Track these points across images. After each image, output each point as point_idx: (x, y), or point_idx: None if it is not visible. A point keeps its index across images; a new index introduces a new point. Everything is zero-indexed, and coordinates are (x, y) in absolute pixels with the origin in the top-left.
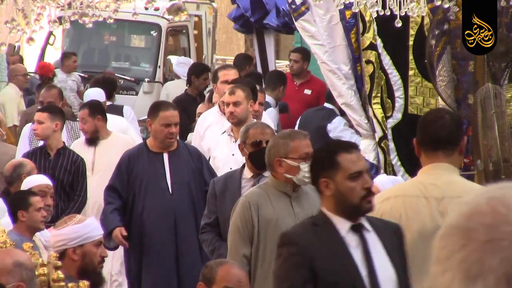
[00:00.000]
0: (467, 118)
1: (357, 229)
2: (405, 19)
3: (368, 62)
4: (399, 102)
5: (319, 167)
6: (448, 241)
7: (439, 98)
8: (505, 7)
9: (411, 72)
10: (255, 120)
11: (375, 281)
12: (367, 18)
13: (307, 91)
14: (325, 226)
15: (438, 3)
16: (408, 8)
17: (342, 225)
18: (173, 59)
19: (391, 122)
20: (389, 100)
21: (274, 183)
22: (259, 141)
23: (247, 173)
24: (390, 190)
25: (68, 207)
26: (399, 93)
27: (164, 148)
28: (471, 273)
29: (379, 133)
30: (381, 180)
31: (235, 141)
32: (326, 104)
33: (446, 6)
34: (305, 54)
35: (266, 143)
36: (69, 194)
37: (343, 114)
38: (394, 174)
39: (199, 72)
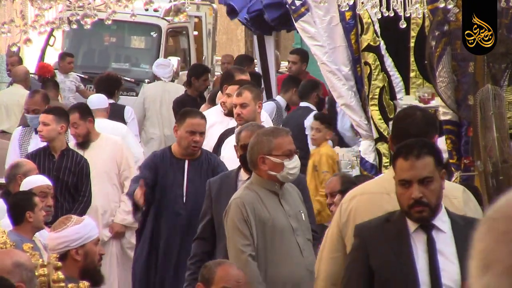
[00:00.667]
0: (467, 119)
1: (426, 229)
2: (407, 20)
3: (366, 63)
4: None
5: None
6: (477, 230)
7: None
8: (505, 8)
9: (412, 74)
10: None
11: (435, 282)
12: (365, 20)
13: None
14: (397, 222)
15: (442, 5)
16: (413, 10)
17: (412, 223)
18: (173, 60)
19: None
20: (392, 102)
21: (261, 182)
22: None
23: (243, 175)
24: (356, 189)
25: (72, 208)
26: (400, 95)
27: (187, 155)
28: (486, 261)
29: (374, 135)
30: None
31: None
32: (302, 103)
33: (450, 7)
34: (303, 55)
35: None
36: (73, 195)
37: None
38: None
39: (199, 73)
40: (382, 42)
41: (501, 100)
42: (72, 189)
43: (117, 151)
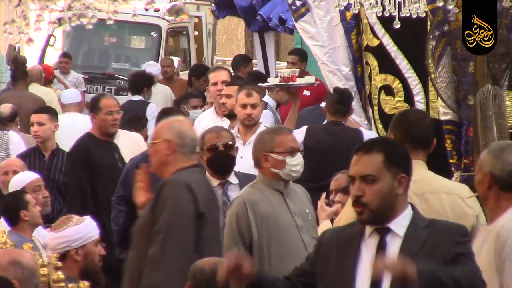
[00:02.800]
0: (467, 119)
1: (381, 232)
2: (423, 22)
3: (366, 63)
4: (420, 107)
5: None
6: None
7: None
8: (505, 8)
9: (431, 76)
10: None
11: None
12: (364, 21)
13: (306, 92)
14: (358, 226)
15: (441, 3)
16: (413, 9)
17: (369, 228)
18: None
19: None
20: (406, 104)
21: (265, 180)
22: (216, 145)
23: (213, 181)
24: None
25: (63, 207)
26: (419, 97)
27: None
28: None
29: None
30: None
31: (243, 144)
32: (323, 104)
33: (450, 7)
34: (302, 55)
35: (224, 147)
36: (63, 194)
37: None
38: None
39: (200, 73)
40: (391, 44)
41: (501, 100)
42: (62, 189)
43: (135, 146)
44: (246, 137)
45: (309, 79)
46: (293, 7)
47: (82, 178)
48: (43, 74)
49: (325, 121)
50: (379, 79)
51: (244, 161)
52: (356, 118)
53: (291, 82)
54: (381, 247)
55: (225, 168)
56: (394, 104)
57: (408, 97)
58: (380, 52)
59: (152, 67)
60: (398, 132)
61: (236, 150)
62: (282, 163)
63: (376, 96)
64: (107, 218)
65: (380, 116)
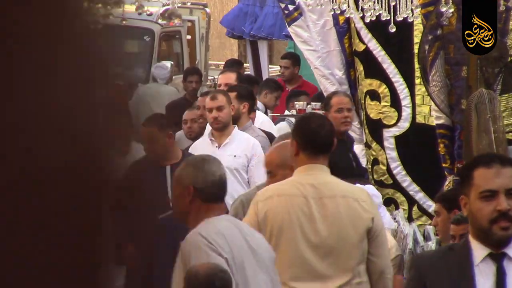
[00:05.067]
0: (460, 123)
1: (497, 258)
2: (408, 26)
3: (355, 68)
4: (407, 111)
5: (460, 182)
6: None
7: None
8: (498, 12)
9: (417, 81)
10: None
11: None
12: (352, 25)
13: None
14: (461, 251)
15: (444, 9)
16: (409, 13)
17: (479, 252)
18: (167, 64)
19: (394, 131)
20: (393, 109)
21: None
22: None
23: None
24: (272, 189)
25: None
26: (406, 102)
27: (167, 160)
28: None
29: (363, 139)
30: None
31: (218, 146)
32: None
33: (443, 9)
34: (294, 59)
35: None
36: None
37: None
38: (396, 183)
39: (185, 75)
40: (379, 48)
41: (495, 104)
42: None
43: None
44: (221, 140)
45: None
46: (286, 12)
47: None
48: None
49: None
50: (365, 84)
51: None
52: None
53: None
54: (501, 275)
55: None
56: (380, 109)
57: (395, 101)
58: (366, 56)
59: (161, 70)
60: (300, 140)
61: None
62: None
63: (363, 101)
64: None
65: (366, 121)
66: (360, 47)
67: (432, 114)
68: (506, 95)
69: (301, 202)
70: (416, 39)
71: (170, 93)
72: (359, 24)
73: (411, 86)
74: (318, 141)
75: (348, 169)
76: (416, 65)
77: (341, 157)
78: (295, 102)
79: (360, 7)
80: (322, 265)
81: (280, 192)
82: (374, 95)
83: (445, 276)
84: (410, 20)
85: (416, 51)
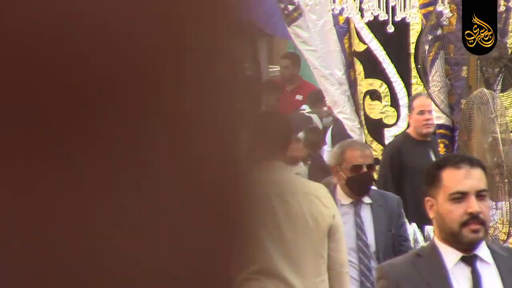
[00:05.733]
0: (460, 123)
1: (469, 261)
2: (405, 27)
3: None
4: (404, 111)
5: (425, 183)
6: None
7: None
8: (498, 12)
9: (413, 81)
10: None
11: None
12: (352, 25)
13: (299, 97)
14: (430, 257)
15: (441, 8)
16: (409, 14)
17: (450, 256)
18: None
19: (394, 131)
20: (393, 109)
21: None
22: (359, 165)
23: (343, 199)
24: None
25: None
26: (403, 102)
27: None
28: None
29: (363, 139)
30: None
31: None
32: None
33: (440, 9)
34: (294, 59)
35: (368, 167)
36: None
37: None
38: None
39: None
40: (380, 49)
41: (495, 104)
42: None
43: None
44: None
45: None
46: (286, 12)
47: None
48: None
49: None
50: (364, 84)
51: None
52: (349, 123)
53: None
54: (476, 278)
55: (366, 190)
56: (381, 109)
57: (395, 101)
58: (366, 57)
59: None
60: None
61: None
62: None
63: (362, 101)
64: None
65: (365, 121)
66: (360, 47)
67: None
68: (509, 91)
69: (263, 200)
70: (413, 39)
71: None
72: (360, 24)
73: (407, 86)
74: (278, 135)
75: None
76: (412, 65)
77: (422, 159)
78: None
79: (359, 7)
80: (283, 263)
81: None
82: (374, 95)
83: (419, 283)
84: (408, 21)
85: (412, 51)
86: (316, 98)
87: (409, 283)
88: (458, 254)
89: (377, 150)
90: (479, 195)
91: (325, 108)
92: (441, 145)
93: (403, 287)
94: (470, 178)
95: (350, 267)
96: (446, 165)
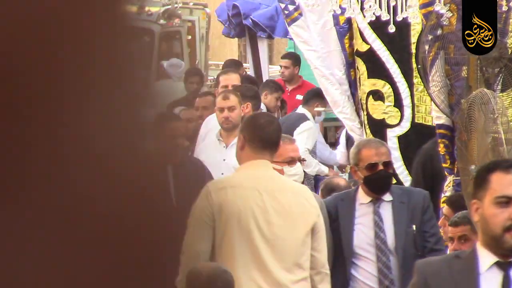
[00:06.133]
0: (460, 123)
1: (504, 267)
2: (406, 27)
3: (357, 68)
4: (407, 111)
5: (474, 185)
6: None
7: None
8: (499, 12)
9: (415, 81)
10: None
11: None
12: (354, 25)
13: (299, 97)
14: (466, 260)
15: (438, 8)
16: (410, 14)
17: (486, 260)
18: (181, 62)
19: (397, 131)
20: (396, 109)
21: None
22: (374, 164)
23: (363, 198)
24: (226, 181)
25: None
26: (407, 102)
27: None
28: None
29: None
30: None
31: (226, 146)
32: (298, 109)
33: (442, 11)
34: (295, 59)
35: (384, 165)
36: None
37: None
38: (398, 182)
39: (186, 76)
40: (383, 48)
41: (496, 104)
42: None
43: None
44: (229, 140)
45: None
46: (286, 12)
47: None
48: None
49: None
50: (367, 84)
51: (227, 164)
52: (349, 123)
53: None
54: (506, 284)
55: (384, 187)
56: (384, 109)
57: (398, 101)
58: (369, 57)
59: (176, 68)
60: (248, 134)
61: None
62: (280, 172)
63: (364, 102)
64: None
65: (368, 121)
66: (363, 48)
67: (432, 114)
68: (508, 91)
69: (255, 195)
70: (413, 39)
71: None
72: (363, 24)
73: (410, 86)
74: (265, 136)
75: None
76: (414, 65)
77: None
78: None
79: (360, 6)
80: (271, 258)
81: (233, 183)
82: (377, 95)
83: (449, 284)
84: (410, 21)
85: (413, 51)
86: (309, 97)
87: (437, 280)
88: (494, 259)
89: None
90: None
91: (317, 108)
92: (441, 145)
93: (431, 283)
94: None
95: (368, 263)
96: (496, 169)
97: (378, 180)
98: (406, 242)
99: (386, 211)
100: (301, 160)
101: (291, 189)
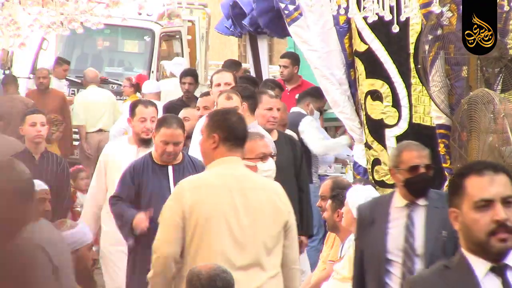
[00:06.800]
0: (459, 123)
1: (499, 272)
2: (405, 27)
3: (357, 68)
4: (405, 111)
5: (449, 193)
6: None
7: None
8: (499, 12)
9: (413, 81)
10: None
11: None
12: (353, 25)
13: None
14: (459, 269)
15: (435, 8)
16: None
17: (480, 267)
18: (184, 60)
19: (395, 131)
20: (394, 109)
21: None
22: (416, 166)
23: (398, 201)
24: (197, 179)
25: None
26: (404, 102)
27: (165, 162)
28: None
29: (363, 139)
30: (354, 192)
31: None
32: (293, 109)
33: (438, 11)
34: (294, 58)
35: (425, 168)
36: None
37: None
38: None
39: (180, 76)
40: (382, 49)
41: (496, 104)
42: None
43: None
44: None
45: None
46: (286, 12)
47: None
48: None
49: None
50: (366, 84)
51: None
52: (349, 122)
53: None
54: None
55: (423, 190)
56: (382, 109)
57: (396, 101)
58: (367, 57)
59: (179, 66)
60: (222, 132)
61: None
62: (253, 169)
63: (363, 101)
64: None
65: (366, 121)
66: (362, 48)
67: (430, 114)
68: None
69: (225, 194)
70: (412, 39)
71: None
72: (361, 25)
73: (408, 86)
74: (239, 134)
75: None
76: (412, 65)
77: None
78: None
79: (362, 6)
80: (241, 257)
81: (206, 182)
82: (375, 95)
83: None
84: (411, 22)
85: (412, 51)
86: (301, 96)
87: None
88: (488, 264)
89: (377, 150)
90: (506, 201)
91: (309, 106)
92: (441, 145)
93: None
94: (494, 185)
95: (396, 268)
96: (469, 173)
97: (419, 183)
98: (435, 247)
99: (419, 215)
100: (273, 156)
101: (262, 186)
